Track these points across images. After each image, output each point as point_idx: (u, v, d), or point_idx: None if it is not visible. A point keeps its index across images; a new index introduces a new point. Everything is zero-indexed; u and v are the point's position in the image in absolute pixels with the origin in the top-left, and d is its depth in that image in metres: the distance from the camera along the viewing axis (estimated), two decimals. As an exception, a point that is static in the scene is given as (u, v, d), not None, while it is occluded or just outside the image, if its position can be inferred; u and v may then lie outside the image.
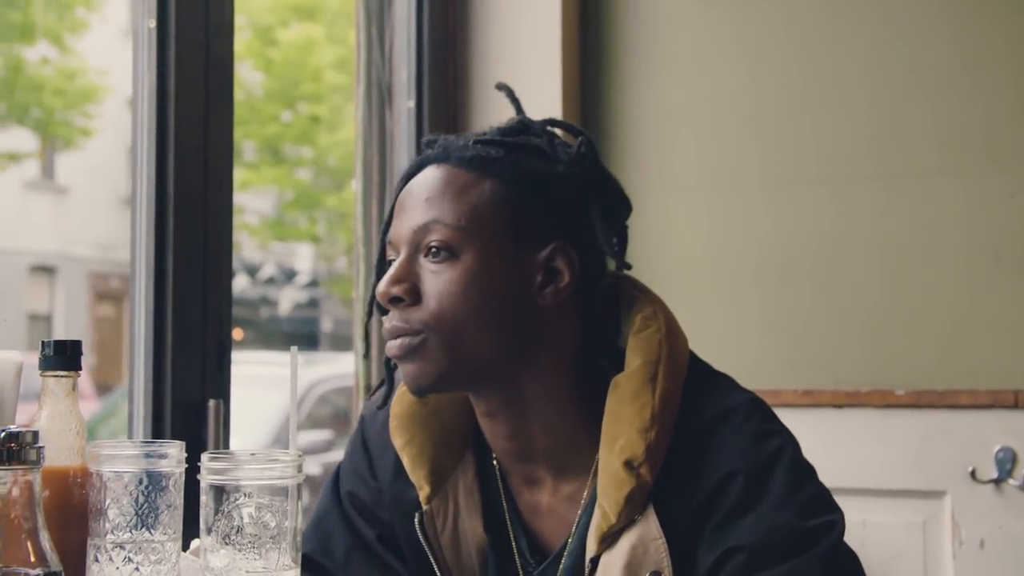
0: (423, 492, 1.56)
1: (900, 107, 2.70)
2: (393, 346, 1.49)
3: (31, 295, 15.06)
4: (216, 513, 1.34)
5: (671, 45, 2.92)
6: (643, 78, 2.91)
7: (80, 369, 1.39)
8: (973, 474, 2.51)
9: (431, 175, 1.53)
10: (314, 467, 6.63)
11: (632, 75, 2.92)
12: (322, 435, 7.46)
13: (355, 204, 2.84)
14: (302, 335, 15.09)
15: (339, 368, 8.39)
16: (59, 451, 1.34)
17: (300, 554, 1.38)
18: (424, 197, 1.51)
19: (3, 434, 1.15)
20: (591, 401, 1.52)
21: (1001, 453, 2.49)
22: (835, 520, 1.44)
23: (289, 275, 16.21)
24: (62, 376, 1.37)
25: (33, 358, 1.43)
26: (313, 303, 16.24)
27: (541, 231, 1.51)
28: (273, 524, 1.34)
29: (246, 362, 7.76)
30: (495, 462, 1.59)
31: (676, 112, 2.84)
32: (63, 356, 1.37)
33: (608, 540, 1.45)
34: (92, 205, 15.48)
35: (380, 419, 1.64)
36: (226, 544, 1.34)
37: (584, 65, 2.95)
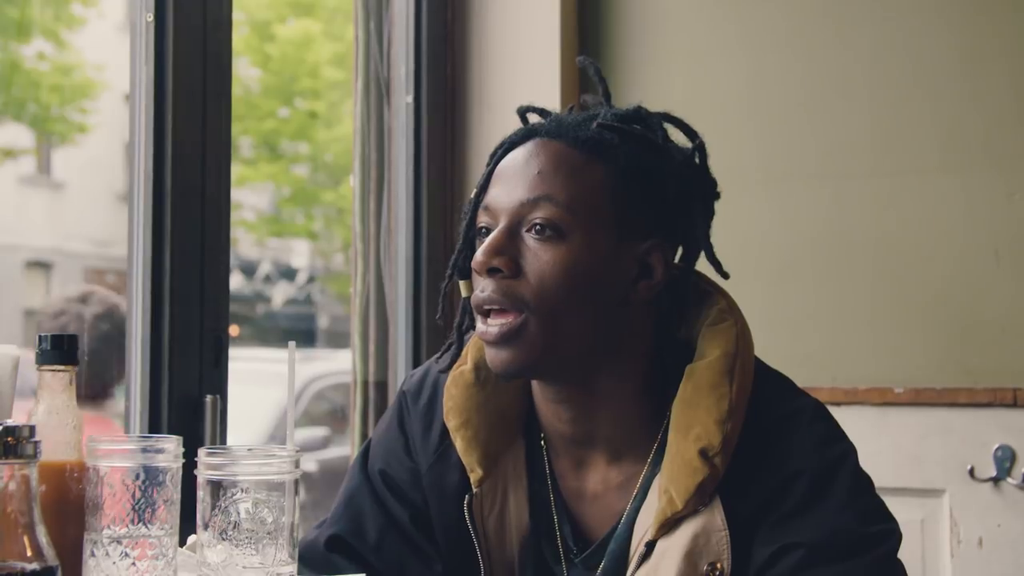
0: (475, 475, 1.54)
1: (900, 104, 2.70)
2: (492, 331, 1.46)
3: (27, 291, 15.05)
4: (213, 508, 1.34)
5: (670, 41, 2.91)
6: (642, 74, 2.90)
7: (77, 363, 1.38)
8: (972, 472, 2.51)
9: (543, 149, 1.50)
10: (311, 464, 6.63)
11: (631, 71, 2.91)
12: (319, 432, 7.45)
13: (353, 200, 2.83)
14: (299, 332, 15.08)
15: (336, 365, 8.38)
16: (56, 446, 1.34)
17: (297, 549, 1.37)
18: (535, 171, 1.48)
19: (0, 428, 1.15)
20: (656, 390, 1.53)
21: (1000, 451, 2.49)
22: (893, 529, 1.47)
23: (286, 272, 16.20)
24: (59, 370, 1.37)
25: (29, 353, 1.42)
26: (309, 300, 16.24)
27: (643, 225, 1.50)
28: (270, 520, 1.34)
29: (242, 359, 7.75)
30: (543, 444, 1.58)
31: (675, 108, 2.83)
32: (60, 350, 1.37)
33: (669, 526, 1.45)
34: (88, 201, 15.47)
35: (425, 399, 1.61)
36: (223, 539, 1.33)
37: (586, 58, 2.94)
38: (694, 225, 1.55)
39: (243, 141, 12.74)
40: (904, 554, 2.57)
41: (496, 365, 1.48)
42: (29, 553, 1.14)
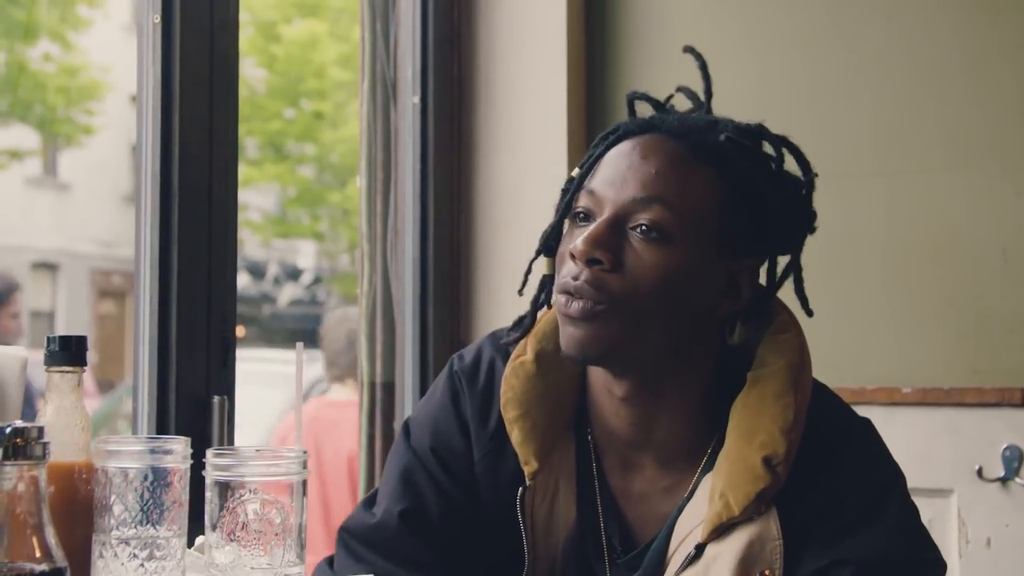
0: (529, 467, 1.52)
1: (906, 104, 2.69)
2: (575, 307, 1.44)
3: (34, 292, 15.07)
4: (221, 509, 1.34)
5: (676, 42, 2.89)
6: (648, 75, 2.90)
7: (85, 365, 1.38)
8: (980, 472, 2.51)
9: (662, 147, 1.49)
10: (317, 464, 6.62)
11: (636, 71, 2.91)
12: (325, 432, 7.44)
13: (359, 201, 2.83)
14: (305, 332, 15.09)
15: (342, 366, 8.37)
16: (64, 447, 1.34)
17: (305, 550, 1.37)
18: (654, 169, 1.46)
19: (9, 429, 1.15)
20: (715, 399, 1.52)
21: (1008, 451, 2.49)
22: (940, 559, 1.48)
23: (292, 273, 16.21)
24: (67, 371, 1.37)
25: (36, 355, 1.43)
26: (315, 301, 16.24)
27: (741, 245, 1.50)
28: (278, 520, 1.34)
29: (249, 359, 7.75)
30: (590, 441, 1.57)
31: (682, 110, 2.83)
32: (68, 351, 1.37)
33: (722, 531, 1.45)
34: (94, 202, 15.50)
35: (482, 383, 1.59)
36: (231, 540, 1.33)
37: (589, 61, 2.94)
38: (787, 253, 1.56)
39: (249, 142, 12.76)
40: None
41: (571, 344, 1.46)
42: (38, 554, 1.14)
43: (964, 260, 2.62)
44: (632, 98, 1.63)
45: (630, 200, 1.46)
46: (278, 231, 14.77)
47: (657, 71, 2.90)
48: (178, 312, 2.11)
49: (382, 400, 2.76)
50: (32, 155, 14.13)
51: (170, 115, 2.13)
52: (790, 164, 1.58)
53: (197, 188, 2.15)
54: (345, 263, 15.15)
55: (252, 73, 12.53)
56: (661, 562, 1.50)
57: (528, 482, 1.53)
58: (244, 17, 2.25)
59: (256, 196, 14.18)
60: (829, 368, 2.69)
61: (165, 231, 2.12)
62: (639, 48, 2.93)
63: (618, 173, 1.48)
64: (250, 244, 15.13)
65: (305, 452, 1.38)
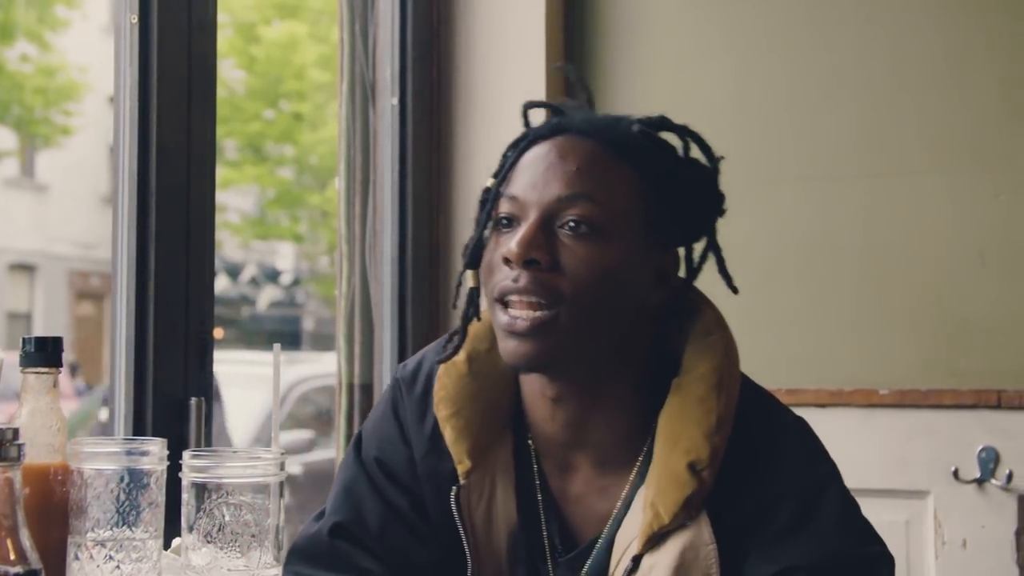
0: (462, 466, 1.53)
1: (885, 106, 2.70)
2: (521, 323, 1.43)
3: (11, 293, 15.01)
4: (198, 511, 1.33)
5: (656, 45, 2.91)
6: (627, 77, 2.90)
7: (61, 366, 1.38)
8: (956, 474, 2.51)
9: (577, 146, 1.49)
10: (296, 467, 6.62)
11: (616, 74, 2.92)
12: (304, 435, 7.44)
13: (338, 202, 2.83)
14: (284, 334, 15.07)
15: (321, 367, 8.38)
16: (40, 448, 1.33)
17: (282, 552, 1.37)
18: (574, 167, 1.47)
19: (-17, 431, 1.14)
20: (646, 399, 1.52)
21: (984, 453, 2.50)
22: (886, 552, 1.48)
23: (270, 275, 16.18)
24: (43, 372, 1.36)
25: (12, 356, 1.42)
26: (294, 303, 16.22)
27: (663, 234, 1.51)
28: (255, 522, 1.33)
29: (227, 361, 7.74)
30: (530, 444, 1.57)
31: (661, 110, 2.83)
32: (44, 352, 1.36)
33: (655, 540, 1.45)
34: (72, 203, 15.44)
35: (420, 388, 1.59)
36: (208, 542, 1.33)
37: (568, 63, 2.94)
38: (704, 238, 1.57)
39: (228, 143, 12.73)
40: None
41: (516, 357, 1.46)
42: (12, 556, 1.13)
43: (942, 262, 2.63)
44: (527, 107, 1.62)
45: (555, 199, 1.46)
46: (257, 233, 14.75)
47: (636, 73, 2.90)
48: (156, 313, 2.10)
49: (360, 402, 2.75)
50: (9, 156, 14.08)
51: (148, 116, 2.12)
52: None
53: (175, 189, 2.14)
54: (324, 265, 15.13)
55: (231, 74, 12.50)
56: (605, 571, 1.50)
57: (462, 481, 1.53)
58: (223, 18, 2.24)
59: (235, 197, 14.15)
60: (806, 369, 2.71)
61: (143, 232, 2.11)
62: (618, 51, 2.93)
63: (538, 175, 1.48)
64: (229, 246, 15.11)
65: (283, 454, 1.38)
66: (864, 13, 2.74)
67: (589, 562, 1.52)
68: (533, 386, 1.54)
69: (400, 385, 1.62)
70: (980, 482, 2.50)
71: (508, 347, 1.46)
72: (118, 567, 1.31)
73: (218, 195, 2.24)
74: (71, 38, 12.88)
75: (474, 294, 1.56)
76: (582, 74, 1.69)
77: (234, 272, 15.47)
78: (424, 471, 1.56)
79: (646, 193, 1.49)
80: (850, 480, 2.54)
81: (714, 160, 1.58)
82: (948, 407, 2.53)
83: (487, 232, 1.52)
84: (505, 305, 1.45)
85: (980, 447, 2.51)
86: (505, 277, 1.45)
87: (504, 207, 1.49)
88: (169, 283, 2.12)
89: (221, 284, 14.28)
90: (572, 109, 1.60)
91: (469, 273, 1.54)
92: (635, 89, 2.90)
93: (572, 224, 1.45)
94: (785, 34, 2.80)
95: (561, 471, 1.56)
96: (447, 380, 1.56)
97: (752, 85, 2.82)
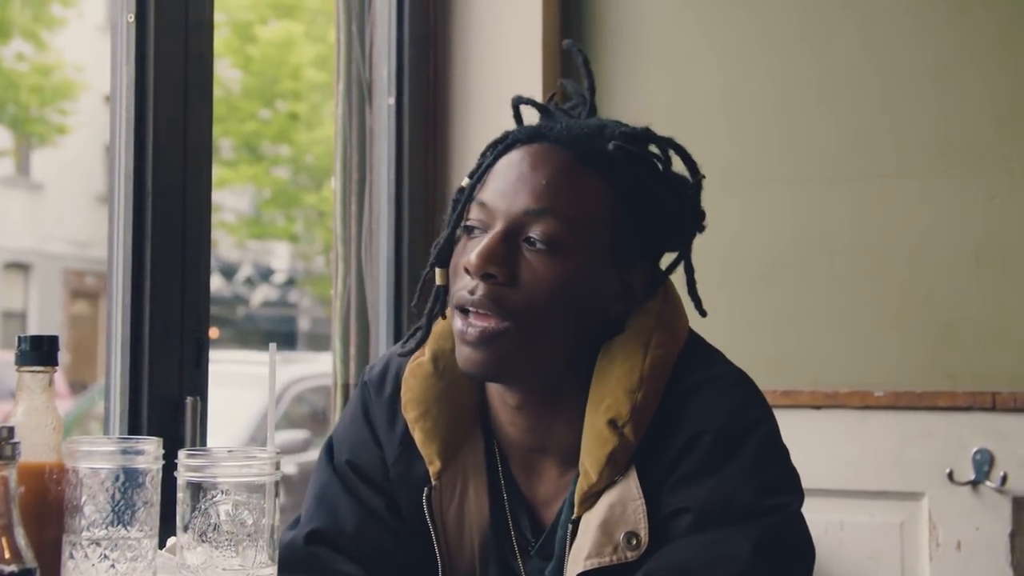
0: (433, 467, 1.54)
1: (880, 108, 2.71)
2: (472, 331, 1.45)
3: (6, 292, 14.99)
4: (193, 510, 1.33)
5: (651, 46, 2.92)
6: (624, 79, 2.91)
7: (56, 364, 1.38)
8: (951, 476, 2.52)
9: (551, 156, 1.49)
10: (291, 466, 6.61)
11: (612, 75, 2.92)
12: (299, 434, 7.44)
13: (334, 202, 2.83)
14: (279, 334, 15.05)
15: (316, 367, 8.38)
16: (35, 447, 1.33)
17: (278, 551, 1.37)
18: (544, 179, 1.47)
19: (-22, 429, 1.14)
20: None
21: (979, 455, 2.50)
22: (790, 502, 1.44)
23: (266, 275, 16.17)
24: (38, 371, 1.36)
25: (7, 355, 1.42)
26: (288, 303, 16.20)
27: (633, 248, 1.51)
28: (250, 522, 1.33)
29: (222, 361, 7.73)
30: (496, 444, 1.58)
31: (657, 113, 2.84)
32: (39, 351, 1.36)
33: (589, 500, 1.46)
34: (67, 202, 15.42)
35: (388, 391, 1.60)
36: (203, 542, 1.33)
37: (564, 64, 2.94)
38: (686, 259, 1.57)
39: (224, 143, 12.72)
40: (883, 557, 2.58)
41: (468, 365, 1.47)
42: (7, 555, 1.13)
43: (936, 264, 2.63)
44: (517, 103, 1.62)
45: (522, 212, 1.46)
46: (253, 232, 14.73)
47: (631, 75, 2.91)
48: (151, 313, 2.10)
49: (356, 402, 2.75)
50: (5, 155, 14.06)
51: (144, 115, 2.12)
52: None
53: (171, 188, 2.14)
54: (320, 265, 15.12)
55: (227, 74, 12.49)
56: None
57: (433, 481, 1.54)
58: (220, 18, 2.24)
59: (231, 197, 14.14)
60: (801, 371, 2.71)
61: (138, 231, 2.11)
62: (613, 53, 2.93)
63: (508, 184, 1.49)
64: (224, 245, 15.09)
65: (278, 453, 1.38)
66: (858, 16, 2.74)
67: (556, 545, 1.52)
68: (495, 392, 1.55)
69: (369, 388, 1.63)
70: (975, 484, 2.51)
71: (461, 354, 1.48)
72: (113, 566, 1.31)
73: (214, 194, 2.23)
74: (67, 37, 12.86)
75: (440, 292, 1.56)
76: (586, 58, 1.67)
77: (229, 272, 15.45)
78: (396, 474, 1.57)
79: (618, 208, 1.49)
80: (845, 481, 2.56)
81: (697, 176, 1.57)
82: (943, 409, 2.54)
83: (458, 232, 1.53)
84: (464, 313, 1.47)
85: (975, 449, 2.51)
86: (464, 287, 1.47)
87: (474, 213, 1.50)
88: (165, 282, 2.12)
89: (216, 284, 14.27)
90: (559, 114, 1.60)
91: (438, 271, 1.55)
92: (630, 90, 2.90)
93: (536, 241, 1.45)
94: (780, 37, 2.80)
95: (527, 471, 1.57)
96: (413, 381, 1.57)
97: (746, 87, 2.82)
